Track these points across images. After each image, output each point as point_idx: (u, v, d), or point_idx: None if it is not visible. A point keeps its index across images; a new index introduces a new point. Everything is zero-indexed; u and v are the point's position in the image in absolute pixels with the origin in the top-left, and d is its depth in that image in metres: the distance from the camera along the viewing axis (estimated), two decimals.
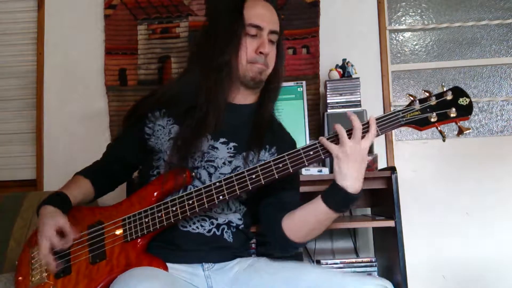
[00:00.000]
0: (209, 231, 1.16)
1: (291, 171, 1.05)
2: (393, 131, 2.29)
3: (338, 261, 1.85)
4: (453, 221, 2.22)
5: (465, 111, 1.03)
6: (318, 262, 1.89)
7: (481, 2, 2.40)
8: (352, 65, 2.09)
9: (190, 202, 1.09)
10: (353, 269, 1.82)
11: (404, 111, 1.06)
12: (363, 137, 1.02)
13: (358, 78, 2.02)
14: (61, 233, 1.11)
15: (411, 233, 2.02)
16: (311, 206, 1.08)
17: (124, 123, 1.33)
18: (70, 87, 2.39)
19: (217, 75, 1.19)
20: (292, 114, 2.00)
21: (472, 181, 2.25)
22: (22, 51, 2.46)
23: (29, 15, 2.47)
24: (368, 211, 2.18)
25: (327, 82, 2.04)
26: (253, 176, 1.06)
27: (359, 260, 1.85)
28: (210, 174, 1.18)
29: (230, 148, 1.21)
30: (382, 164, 2.18)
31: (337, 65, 2.13)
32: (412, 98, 1.07)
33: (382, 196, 1.83)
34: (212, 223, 1.17)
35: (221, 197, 1.07)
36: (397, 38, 2.41)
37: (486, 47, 2.38)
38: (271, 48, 1.25)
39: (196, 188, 1.10)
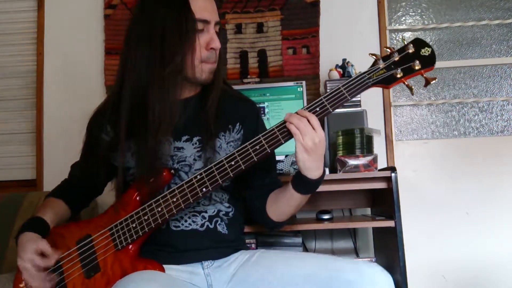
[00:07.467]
0: (202, 225, 1.15)
1: (269, 151, 1.05)
2: (393, 130, 2.30)
3: None
4: (453, 221, 2.22)
5: (429, 61, 1.03)
6: None
7: (481, 2, 2.39)
8: (352, 65, 2.09)
9: (175, 199, 1.07)
10: None
11: (369, 72, 1.06)
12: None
13: None
14: (42, 255, 1.07)
15: (411, 233, 2.01)
16: (286, 196, 1.15)
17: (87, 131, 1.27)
18: (70, 87, 2.39)
19: (168, 77, 1.12)
20: None
21: (472, 181, 2.24)
22: (22, 51, 2.46)
23: (29, 15, 2.47)
24: (368, 211, 2.17)
25: (327, 82, 2.04)
26: (233, 163, 1.05)
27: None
28: (186, 173, 1.16)
29: (195, 143, 1.18)
30: (382, 164, 2.18)
31: (337, 65, 2.12)
32: (375, 58, 1.06)
33: (382, 196, 1.83)
34: (203, 217, 1.16)
35: (204, 189, 1.06)
36: (397, 38, 2.41)
37: (486, 47, 2.38)
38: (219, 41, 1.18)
39: (178, 185, 1.08)
